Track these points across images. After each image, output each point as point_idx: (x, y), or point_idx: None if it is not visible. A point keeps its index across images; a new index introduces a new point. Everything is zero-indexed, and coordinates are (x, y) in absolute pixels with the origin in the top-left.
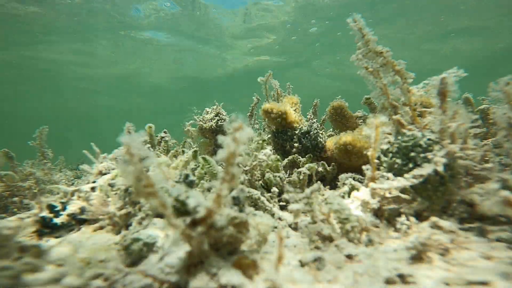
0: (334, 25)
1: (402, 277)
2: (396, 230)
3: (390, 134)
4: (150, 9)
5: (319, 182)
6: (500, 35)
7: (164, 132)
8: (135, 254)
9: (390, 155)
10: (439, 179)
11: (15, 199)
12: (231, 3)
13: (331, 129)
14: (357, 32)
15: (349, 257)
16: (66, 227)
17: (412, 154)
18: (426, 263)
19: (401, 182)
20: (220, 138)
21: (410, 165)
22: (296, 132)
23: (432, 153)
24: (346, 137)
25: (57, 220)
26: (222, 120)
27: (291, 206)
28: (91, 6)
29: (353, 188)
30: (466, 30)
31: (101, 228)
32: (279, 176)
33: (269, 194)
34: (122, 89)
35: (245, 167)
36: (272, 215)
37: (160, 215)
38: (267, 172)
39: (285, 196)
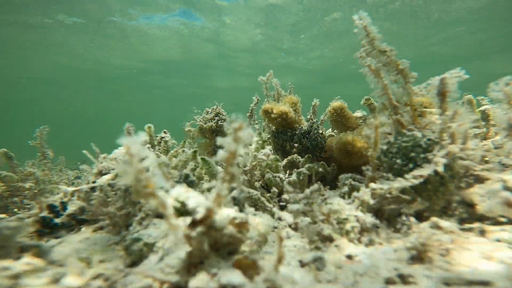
0: None
1: (402, 277)
2: (396, 230)
3: (390, 134)
4: None
5: (319, 182)
6: None
7: (164, 132)
8: (135, 254)
9: (390, 155)
10: (439, 179)
11: (15, 199)
12: None
13: (330, 129)
14: (361, 29)
15: (349, 257)
16: (66, 227)
17: (412, 154)
18: (426, 263)
19: (401, 183)
20: (219, 140)
21: (410, 166)
22: (296, 132)
23: (432, 153)
24: (346, 137)
25: (57, 220)
26: (222, 120)
27: (291, 207)
28: None
29: (353, 189)
30: None
31: (101, 228)
32: (279, 177)
33: (269, 194)
34: None
35: (244, 167)
36: (272, 215)
37: (160, 215)
38: (267, 172)
39: (285, 196)
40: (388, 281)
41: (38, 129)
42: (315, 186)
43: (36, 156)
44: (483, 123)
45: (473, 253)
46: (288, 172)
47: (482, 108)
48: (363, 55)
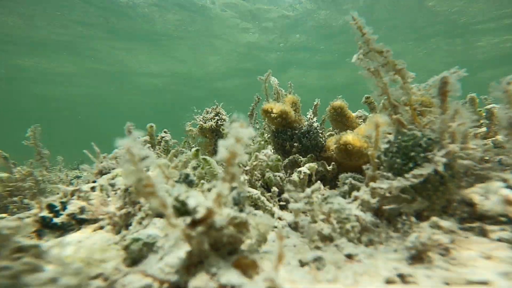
0: None
1: (402, 277)
2: (396, 230)
3: (390, 133)
4: None
5: (319, 181)
6: None
7: (165, 131)
8: (135, 254)
9: (390, 154)
10: (439, 178)
11: (15, 199)
12: None
13: (330, 129)
14: (356, 31)
15: (349, 257)
16: (66, 227)
17: (412, 153)
18: (426, 263)
19: (401, 182)
20: (221, 143)
21: (410, 165)
22: (296, 131)
23: (432, 152)
24: (346, 136)
25: (57, 220)
26: (222, 120)
27: (291, 206)
28: None
29: (353, 188)
30: None
31: (101, 228)
32: (279, 176)
33: (269, 194)
34: None
35: (245, 167)
36: (272, 214)
37: (160, 215)
38: (267, 171)
39: (285, 195)
40: (388, 281)
41: (29, 128)
42: (316, 185)
43: (33, 156)
44: (487, 121)
45: (473, 252)
46: (288, 171)
47: (488, 106)
48: (361, 57)
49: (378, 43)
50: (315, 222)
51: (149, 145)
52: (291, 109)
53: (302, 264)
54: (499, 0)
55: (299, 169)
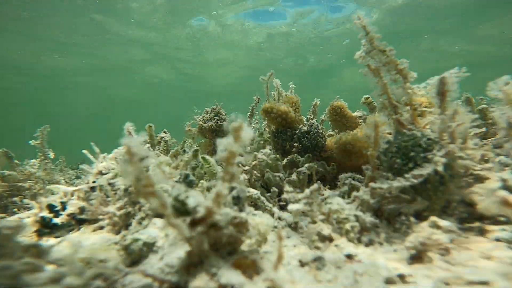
0: None
1: (402, 277)
2: (396, 230)
3: (390, 134)
4: None
5: (318, 182)
6: None
7: (164, 132)
8: (135, 254)
9: (390, 155)
10: (439, 179)
11: (15, 199)
12: None
13: (330, 129)
14: (361, 29)
15: (349, 257)
16: (66, 227)
17: (412, 154)
18: (426, 263)
19: (401, 182)
20: (219, 141)
21: (410, 165)
22: (296, 132)
23: (432, 153)
24: (346, 137)
25: (57, 220)
26: (222, 120)
27: (291, 206)
28: None
29: (353, 188)
30: None
31: (101, 228)
32: (278, 176)
33: (269, 194)
34: None
35: (244, 167)
36: (272, 215)
37: (160, 215)
38: (267, 171)
39: (284, 196)
40: (388, 281)
41: (39, 129)
42: (315, 185)
43: (37, 156)
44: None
45: (473, 252)
46: (288, 171)
47: (480, 107)
48: (363, 55)
49: (381, 42)
50: (314, 222)
51: (149, 145)
52: (291, 109)
53: (302, 264)
54: None
55: (299, 169)
